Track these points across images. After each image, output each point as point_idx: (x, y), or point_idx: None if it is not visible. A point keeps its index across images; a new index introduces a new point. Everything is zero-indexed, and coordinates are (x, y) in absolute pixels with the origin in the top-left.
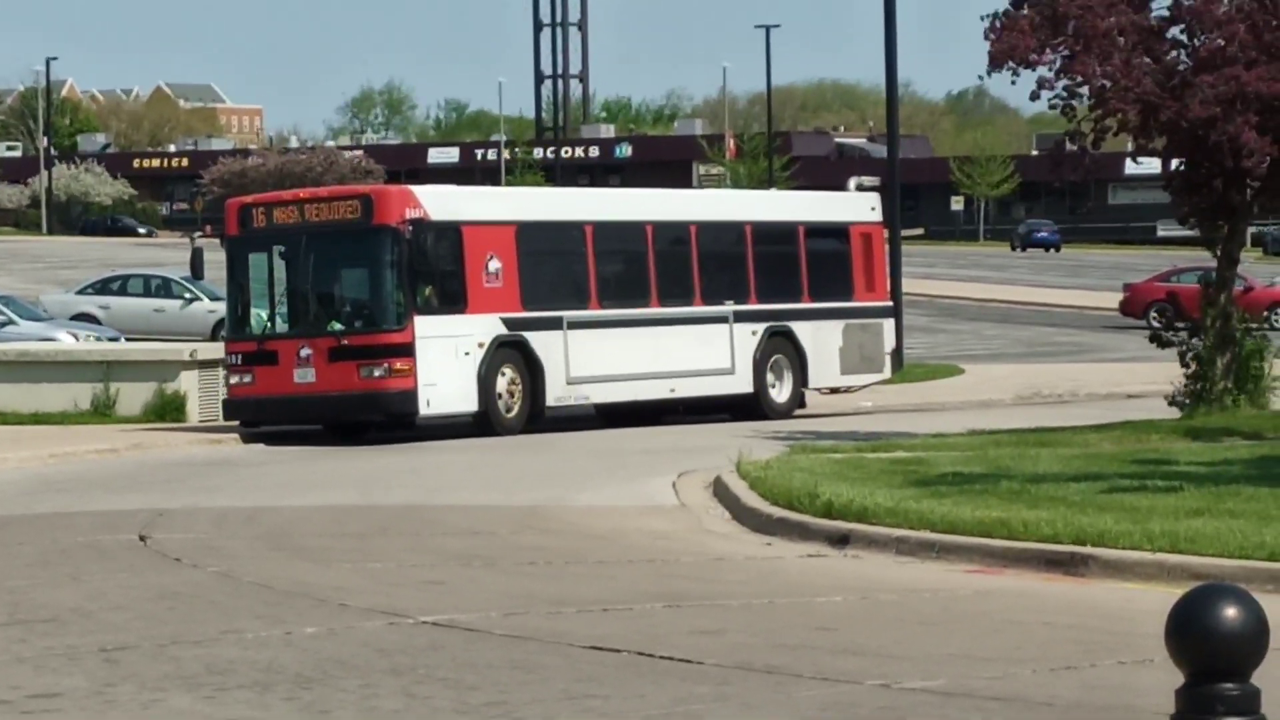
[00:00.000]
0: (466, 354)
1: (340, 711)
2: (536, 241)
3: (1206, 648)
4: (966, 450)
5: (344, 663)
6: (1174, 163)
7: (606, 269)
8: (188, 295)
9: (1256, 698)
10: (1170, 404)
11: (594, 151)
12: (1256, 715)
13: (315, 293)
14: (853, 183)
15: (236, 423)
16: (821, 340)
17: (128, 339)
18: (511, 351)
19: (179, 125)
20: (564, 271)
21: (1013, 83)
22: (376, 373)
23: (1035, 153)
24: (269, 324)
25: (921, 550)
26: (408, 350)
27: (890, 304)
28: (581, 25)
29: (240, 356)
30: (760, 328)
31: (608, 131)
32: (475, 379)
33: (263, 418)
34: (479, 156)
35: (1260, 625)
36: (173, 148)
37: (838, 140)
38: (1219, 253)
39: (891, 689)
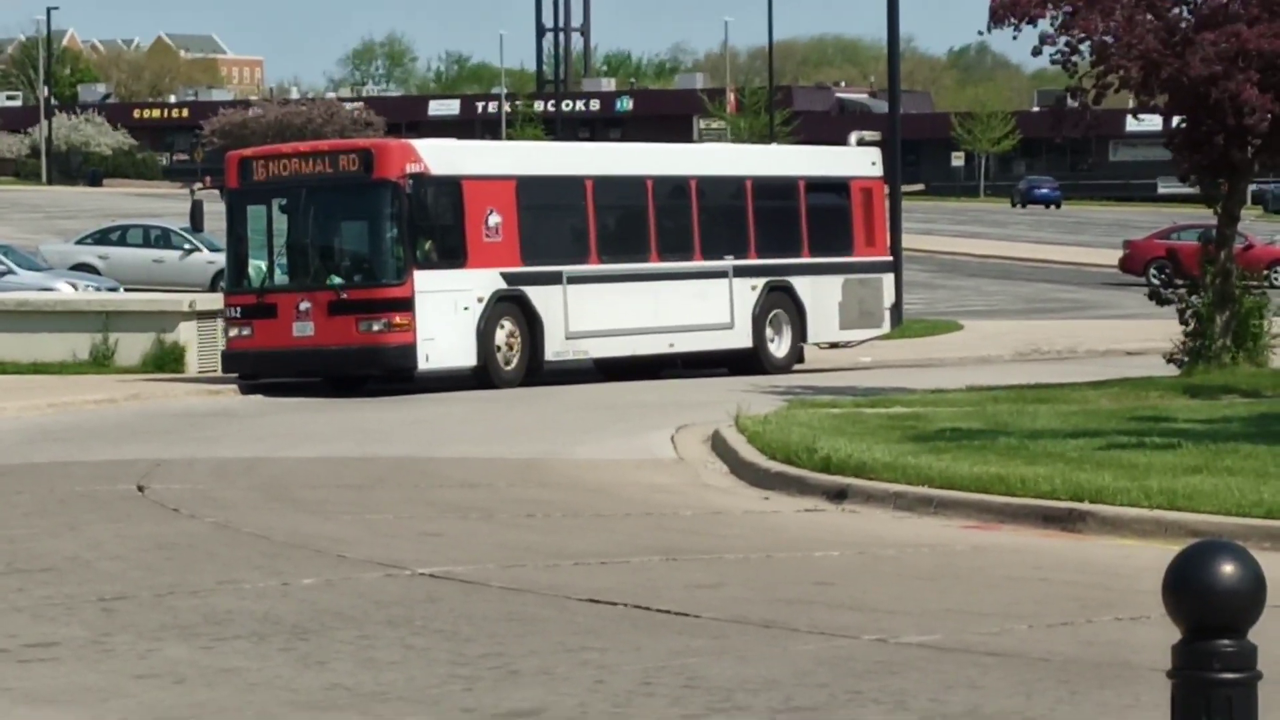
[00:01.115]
0: (466, 309)
1: (337, 662)
2: (536, 196)
3: (1203, 604)
4: (965, 406)
5: (341, 614)
6: (1175, 120)
7: (606, 223)
8: (187, 246)
9: (1253, 654)
10: (1169, 361)
11: (595, 105)
12: (1253, 671)
13: (315, 246)
14: (854, 138)
15: (235, 374)
16: (821, 295)
17: (127, 289)
18: (511, 306)
19: (179, 76)
20: (564, 226)
21: (1014, 38)
22: (375, 327)
23: (1036, 109)
24: (268, 277)
25: (919, 505)
26: (407, 305)
27: (890, 259)
28: None
29: (239, 309)
30: (760, 282)
31: (609, 85)
32: (474, 333)
33: (261, 370)
34: (479, 109)
35: (1257, 582)
36: (173, 98)
37: (839, 95)
38: (1219, 210)
39: (888, 644)
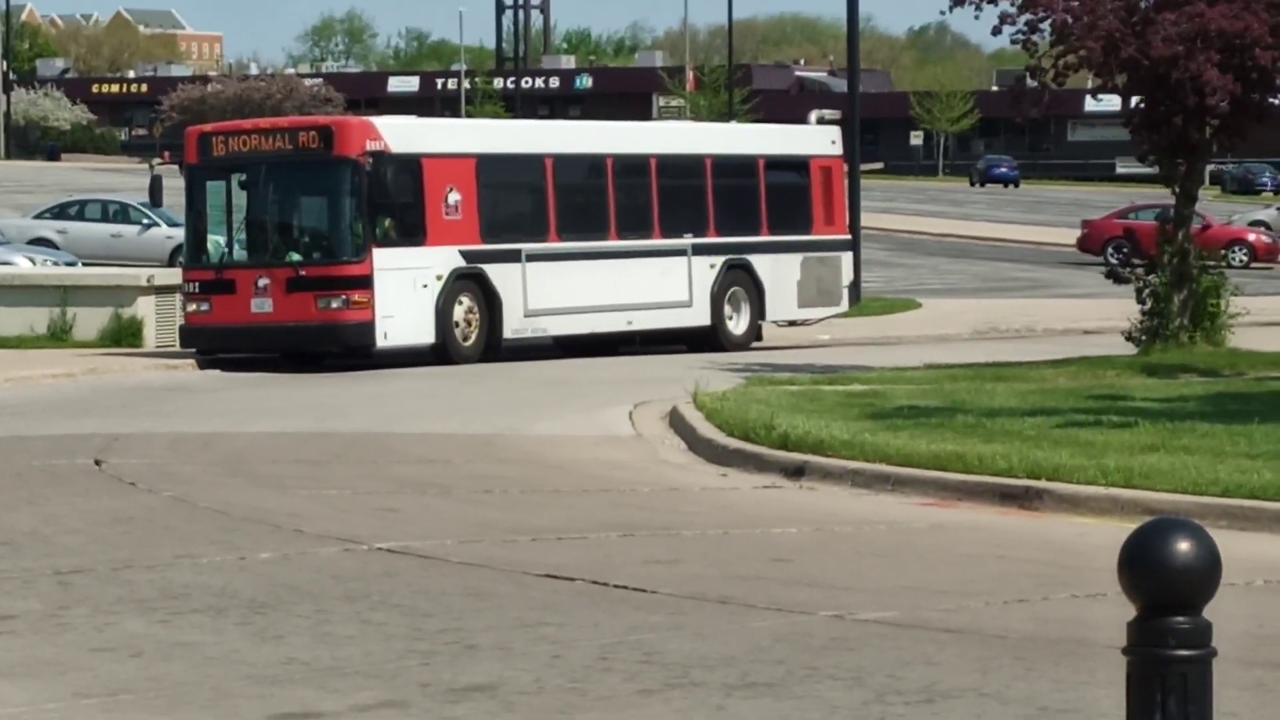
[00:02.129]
0: (425, 286)
1: (294, 637)
2: (496, 174)
3: (1159, 581)
4: (923, 384)
5: (298, 588)
6: (1134, 100)
7: (566, 201)
8: (145, 221)
9: (1208, 631)
10: (1126, 340)
11: (554, 82)
12: (1208, 649)
13: (274, 223)
14: (814, 116)
15: (193, 350)
16: (780, 273)
17: (85, 264)
18: (469, 284)
19: (138, 51)
20: (523, 204)
21: (976, 17)
22: (334, 304)
23: (995, 89)
24: (227, 253)
25: (877, 483)
26: (366, 282)
27: (849, 238)
28: None
29: (198, 285)
30: (719, 260)
31: (568, 63)
32: (433, 311)
33: (219, 346)
34: (439, 86)
35: (1213, 559)
36: (132, 74)
37: (798, 74)
38: (1177, 190)
39: (845, 620)
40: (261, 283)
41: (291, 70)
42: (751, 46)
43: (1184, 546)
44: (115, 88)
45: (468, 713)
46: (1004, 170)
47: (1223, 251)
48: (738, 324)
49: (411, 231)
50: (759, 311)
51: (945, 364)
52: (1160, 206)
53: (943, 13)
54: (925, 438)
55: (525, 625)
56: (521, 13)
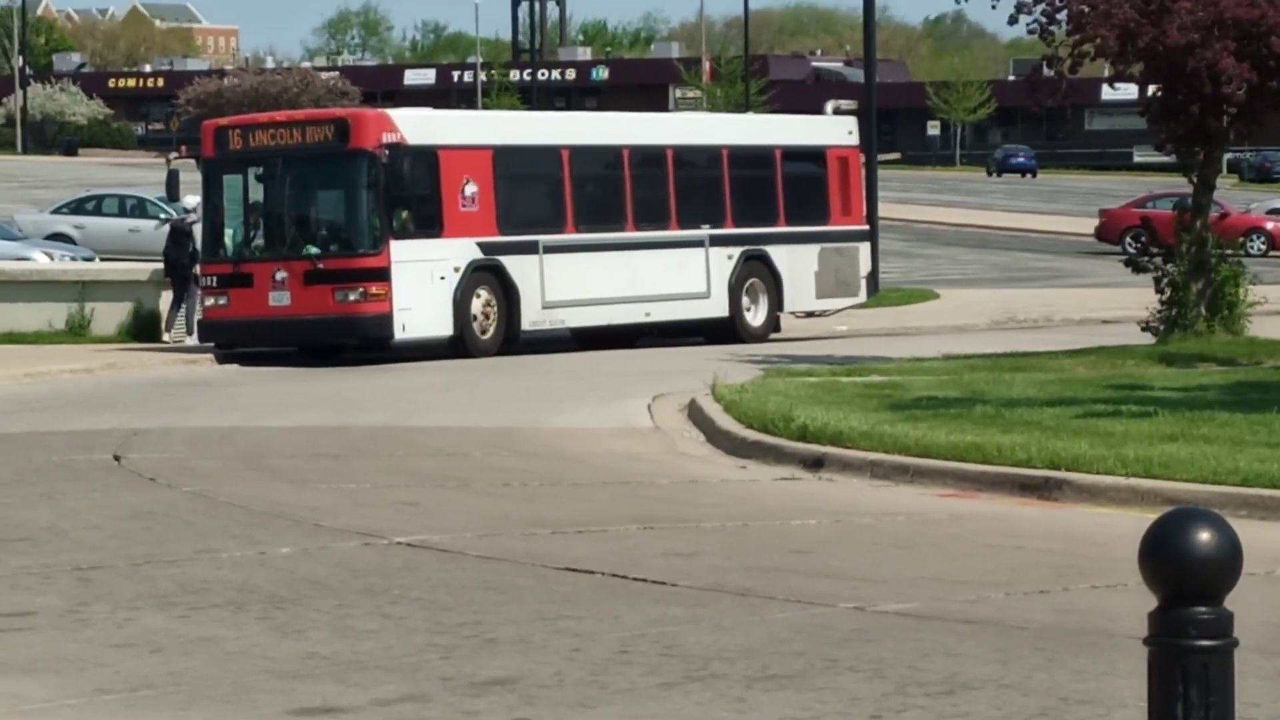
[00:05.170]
0: (442, 278)
1: (314, 631)
2: (513, 166)
3: (1180, 571)
4: (941, 375)
5: (318, 583)
6: (1151, 89)
7: (583, 193)
8: (163, 215)
9: (1229, 621)
10: (1145, 330)
11: (570, 74)
12: (1229, 639)
13: (291, 216)
14: (830, 106)
15: (211, 344)
16: (797, 264)
17: (102, 259)
18: (487, 275)
19: (154, 45)
20: (540, 195)
21: (993, 7)
22: (352, 297)
23: (1012, 78)
24: (244, 247)
25: (896, 474)
26: (383, 275)
27: (866, 228)
28: None
29: (215, 279)
30: (736, 251)
31: (584, 54)
32: (450, 303)
33: (237, 340)
34: (455, 78)
35: (1234, 549)
36: (148, 68)
37: (814, 64)
38: (1195, 179)
39: (865, 612)
40: (279, 276)
41: (307, 64)
42: (768, 37)
43: (1205, 536)
44: (132, 82)
45: (488, 706)
46: (1021, 160)
47: (1241, 240)
48: (755, 315)
49: (429, 223)
50: (777, 303)
51: (964, 354)
52: (1178, 195)
53: (959, 2)
54: (944, 429)
55: (545, 618)
56: (537, 5)
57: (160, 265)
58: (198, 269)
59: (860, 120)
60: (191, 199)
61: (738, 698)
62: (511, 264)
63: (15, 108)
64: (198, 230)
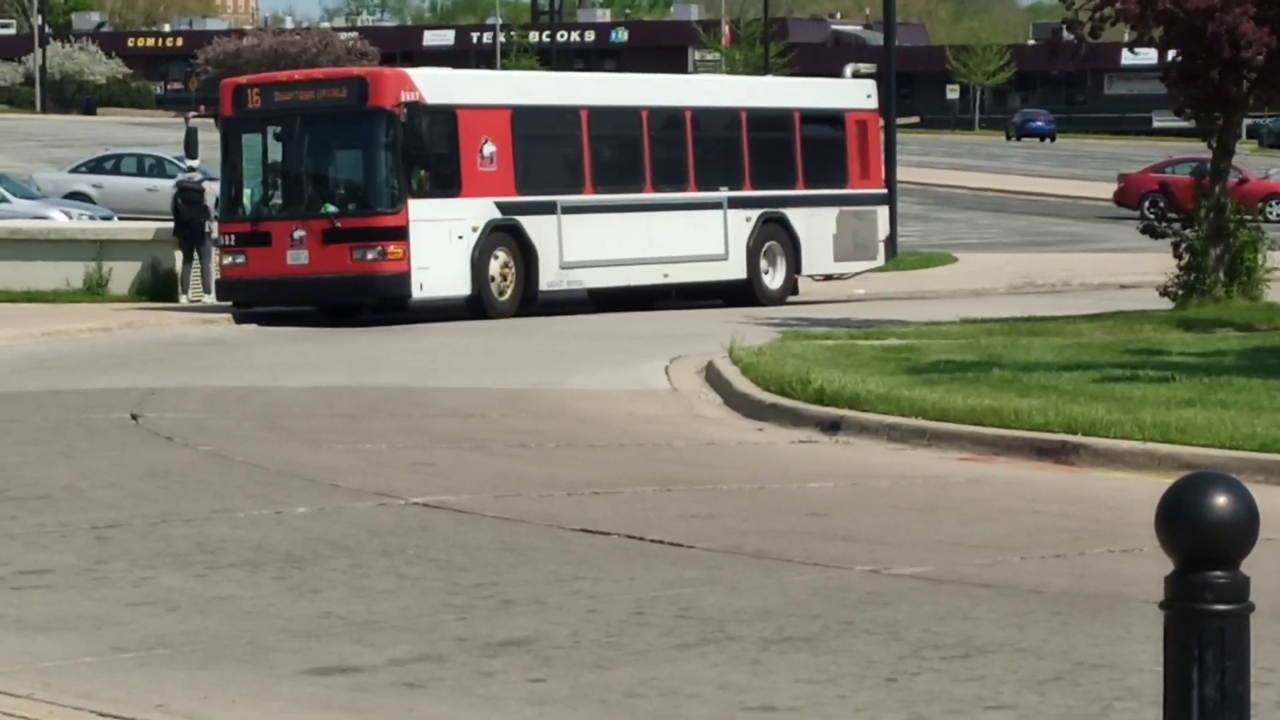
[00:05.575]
0: (460, 238)
1: (330, 591)
2: (531, 126)
3: (1196, 536)
4: (959, 338)
5: (334, 543)
6: (1170, 53)
7: (601, 154)
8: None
9: (1245, 586)
10: (1163, 295)
11: (589, 36)
12: (1245, 603)
13: (309, 175)
14: (849, 69)
15: (229, 303)
16: (815, 227)
17: (121, 218)
18: (505, 236)
19: (174, 5)
20: (558, 156)
21: None
22: (370, 255)
23: (1032, 42)
24: (263, 205)
25: (913, 437)
26: (401, 233)
27: (885, 192)
28: None
29: (234, 237)
30: (754, 214)
31: (604, 16)
32: (469, 263)
33: (255, 298)
34: (474, 40)
35: (1250, 514)
36: (167, 27)
37: (834, 27)
38: (1214, 144)
39: (881, 575)
40: (297, 234)
41: (327, 24)
42: (787, 0)
43: (1221, 501)
44: (151, 41)
45: (504, 667)
46: (1040, 124)
47: (1260, 205)
48: (773, 278)
49: (447, 183)
50: (795, 265)
51: (981, 318)
52: (1197, 160)
53: None
54: (961, 392)
55: (561, 580)
56: None
57: (169, 224)
58: (214, 227)
59: (879, 83)
60: (191, 160)
61: (753, 659)
62: (529, 224)
63: (34, 67)
64: (212, 189)
